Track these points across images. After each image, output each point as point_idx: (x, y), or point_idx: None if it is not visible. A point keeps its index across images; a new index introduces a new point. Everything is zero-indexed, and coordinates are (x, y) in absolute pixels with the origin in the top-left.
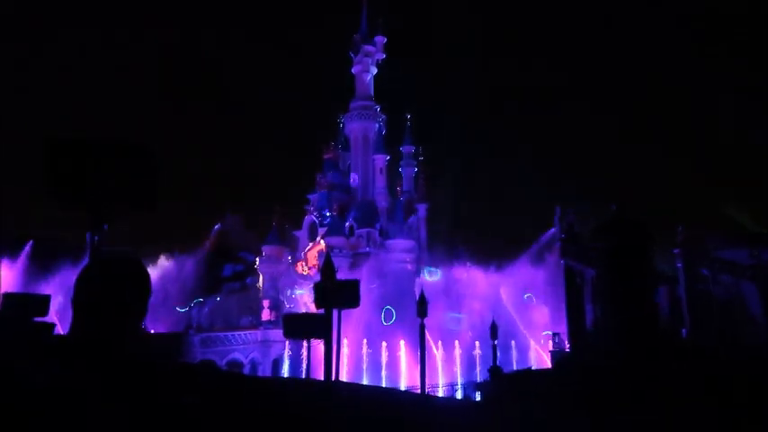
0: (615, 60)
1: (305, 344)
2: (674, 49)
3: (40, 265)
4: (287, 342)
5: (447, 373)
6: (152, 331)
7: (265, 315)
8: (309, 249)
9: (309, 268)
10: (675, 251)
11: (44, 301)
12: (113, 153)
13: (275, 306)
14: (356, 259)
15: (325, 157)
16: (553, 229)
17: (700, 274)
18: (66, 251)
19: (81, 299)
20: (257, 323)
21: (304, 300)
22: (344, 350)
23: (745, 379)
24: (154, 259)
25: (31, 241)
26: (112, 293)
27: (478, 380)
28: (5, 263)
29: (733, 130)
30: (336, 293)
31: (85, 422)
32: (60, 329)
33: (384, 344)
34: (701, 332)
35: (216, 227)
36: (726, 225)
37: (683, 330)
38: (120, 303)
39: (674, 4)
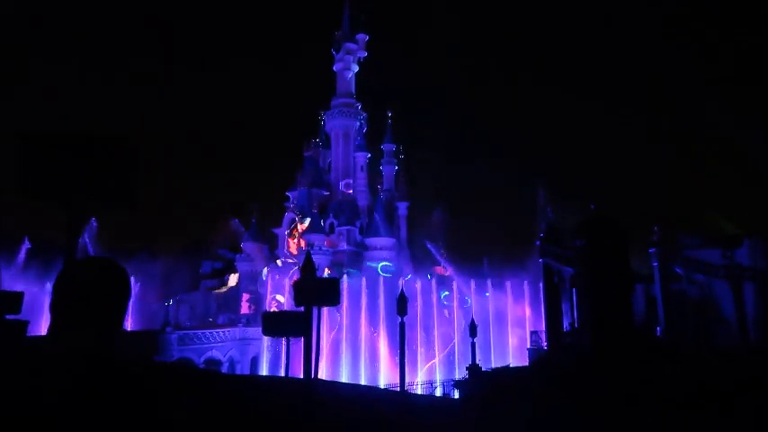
0: (612, 59)
1: (284, 342)
2: (673, 49)
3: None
4: (265, 339)
5: (427, 370)
6: (128, 329)
7: (244, 309)
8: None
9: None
10: (651, 250)
11: (17, 298)
12: (90, 147)
13: (254, 303)
14: (336, 257)
15: (306, 154)
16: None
17: (674, 274)
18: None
19: (60, 302)
20: (236, 321)
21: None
22: (324, 348)
23: (721, 377)
24: (132, 255)
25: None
26: (92, 296)
27: (457, 377)
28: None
29: (726, 130)
30: (316, 291)
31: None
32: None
33: (363, 341)
34: (675, 331)
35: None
36: (702, 225)
37: (658, 329)
38: (100, 306)
39: (675, 3)
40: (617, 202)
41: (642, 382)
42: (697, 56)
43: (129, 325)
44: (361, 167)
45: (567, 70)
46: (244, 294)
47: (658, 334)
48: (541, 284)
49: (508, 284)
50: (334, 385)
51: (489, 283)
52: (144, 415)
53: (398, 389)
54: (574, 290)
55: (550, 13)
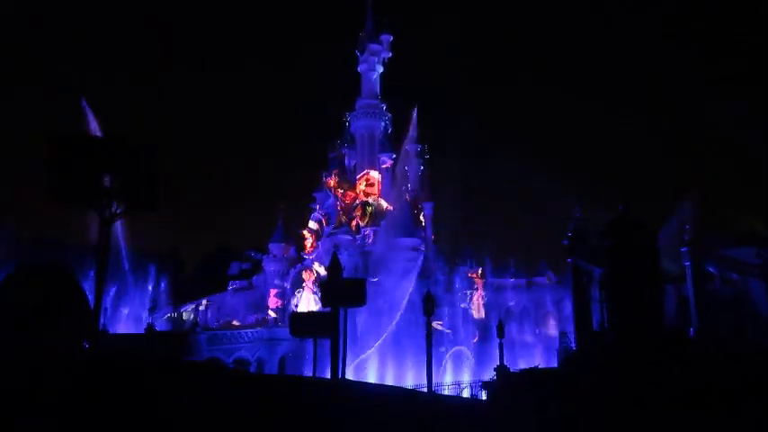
0: (620, 60)
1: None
2: (673, 49)
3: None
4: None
5: (453, 371)
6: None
7: (272, 311)
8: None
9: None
10: (683, 250)
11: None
12: (115, 151)
13: (282, 304)
14: (362, 258)
15: (331, 155)
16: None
17: (707, 273)
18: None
19: (3, 308)
20: (264, 321)
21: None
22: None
23: (748, 383)
24: (160, 257)
25: None
26: (35, 302)
27: (484, 378)
28: None
29: (726, 130)
30: (343, 292)
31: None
32: None
33: (390, 342)
34: (708, 331)
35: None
36: (731, 224)
37: (691, 329)
38: (44, 311)
39: (675, 3)
40: (647, 202)
41: (664, 383)
42: (697, 56)
43: (158, 326)
44: (387, 168)
45: (592, 66)
46: (270, 299)
47: (692, 334)
48: (570, 284)
49: (536, 283)
50: (360, 385)
51: (515, 282)
52: (143, 413)
53: (426, 389)
54: (603, 290)
55: (551, 12)
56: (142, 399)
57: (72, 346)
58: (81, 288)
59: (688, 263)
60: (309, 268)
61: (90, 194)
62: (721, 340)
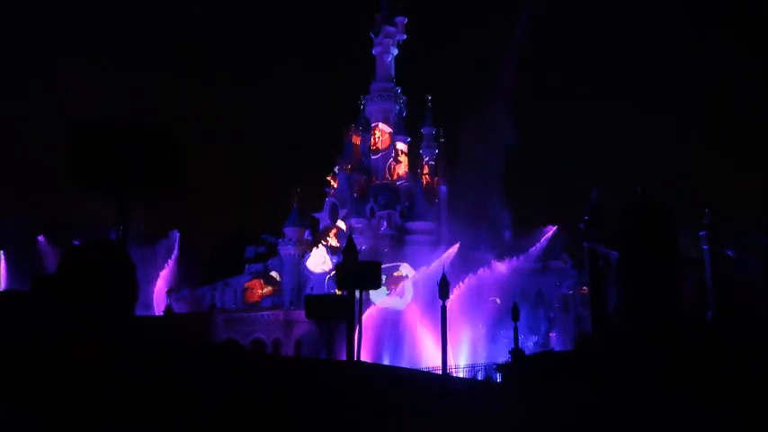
0: (646, 47)
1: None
2: (706, 36)
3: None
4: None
5: (470, 354)
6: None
7: (287, 296)
8: (330, 230)
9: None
10: (702, 233)
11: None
12: (135, 135)
13: (297, 287)
14: (377, 241)
15: (346, 139)
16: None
17: (726, 257)
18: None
19: (61, 286)
20: (279, 304)
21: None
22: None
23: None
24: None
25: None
26: (90, 280)
27: (499, 362)
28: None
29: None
30: (358, 275)
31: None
32: None
33: (405, 324)
34: (726, 315)
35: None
36: (750, 209)
37: (709, 313)
38: (98, 290)
39: None
40: (666, 185)
41: (678, 369)
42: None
43: (176, 308)
44: (402, 151)
45: (615, 53)
46: (286, 281)
47: (709, 319)
48: (586, 268)
49: (552, 266)
50: (375, 367)
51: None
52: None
53: (440, 372)
54: (620, 274)
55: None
56: (163, 385)
57: (110, 330)
58: (134, 271)
59: (706, 246)
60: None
61: (108, 178)
62: (739, 325)
